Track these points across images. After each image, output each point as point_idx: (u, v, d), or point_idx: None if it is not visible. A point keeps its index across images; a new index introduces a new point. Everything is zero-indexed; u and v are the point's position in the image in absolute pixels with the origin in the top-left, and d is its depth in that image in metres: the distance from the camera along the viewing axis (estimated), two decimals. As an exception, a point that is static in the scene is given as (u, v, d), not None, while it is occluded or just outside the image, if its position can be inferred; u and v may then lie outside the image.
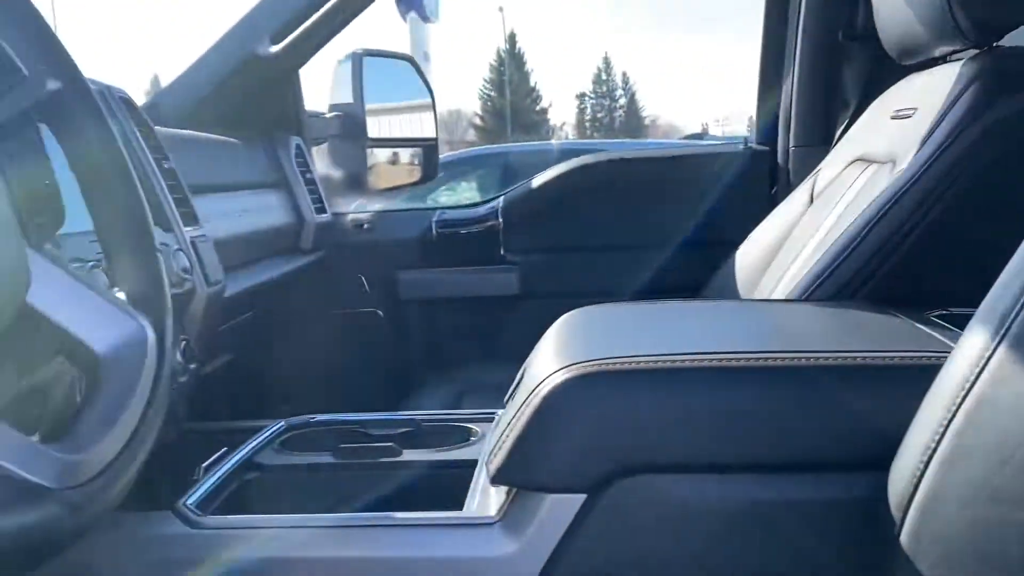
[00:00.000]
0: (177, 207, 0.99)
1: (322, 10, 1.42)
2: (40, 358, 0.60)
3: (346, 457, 0.99)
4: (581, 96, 56.39)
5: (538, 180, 1.75)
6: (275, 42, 1.48)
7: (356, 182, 1.91)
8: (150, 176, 0.95)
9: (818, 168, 1.39)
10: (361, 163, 1.91)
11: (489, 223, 1.73)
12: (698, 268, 1.62)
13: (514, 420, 0.75)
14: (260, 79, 1.57)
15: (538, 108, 47.26)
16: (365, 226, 1.77)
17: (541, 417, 0.74)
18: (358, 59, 1.84)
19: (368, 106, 1.91)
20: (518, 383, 0.86)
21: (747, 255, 1.40)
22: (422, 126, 2.08)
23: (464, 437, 1.05)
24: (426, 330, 1.77)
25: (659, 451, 0.73)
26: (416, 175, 2.08)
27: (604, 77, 55.99)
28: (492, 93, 44.90)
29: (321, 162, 1.85)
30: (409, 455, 0.99)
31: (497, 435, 0.79)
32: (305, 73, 1.69)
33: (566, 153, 6.34)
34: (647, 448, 0.73)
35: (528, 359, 0.89)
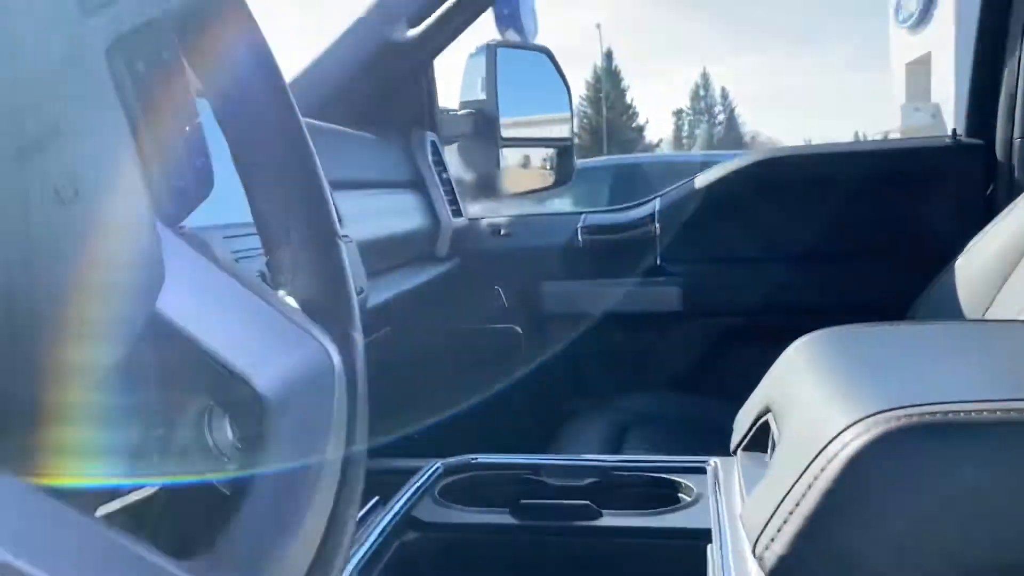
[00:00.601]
0: None
1: None
2: (172, 400, 0.40)
3: (529, 517, 0.79)
4: (678, 112, 55.64)
5: (700, 180, 1.52)
6: (411, 25, 1.33)
7: (488, 185, 1.75)
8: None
9: None
10: (493, 165, 1.74)
11: (644, 228, 1.52)
12: (898, 282, 1.37)
13: (798, 492, 0.53)
14: (395, 69, 1.42)
15: (634, 125, 46.75)
16: (503, 232, 1.59)
17: (848, 492, 0.51)
18: (492, 52, 1.68)
19: (502, 103, 1.75)
20: (755, 424, 0.65)
21: (969, 267, 1.15)
22: (558, 125, 1.91)
23: (672, 494, 0.84)
24: (573, 350, 1.56)
25: None
26: (550, 179, 1.91)
27: (702, 93, 55.10)
28: (588, 110, 44.69)
29: (451, 163, 1.69)
30: (611, 518, 0.78)
31: (765, 507, 0.56)
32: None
33: (668, 165, 6.09)
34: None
35: (763, 396, 0.68)
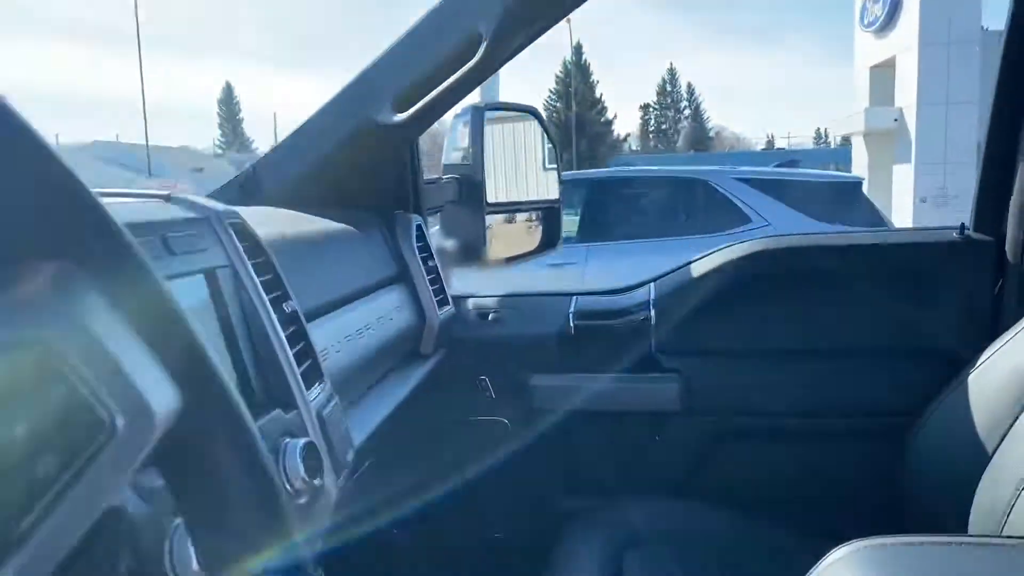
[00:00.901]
0: (299, 363, 0.77)
1: (454, 77, 1.19)
2: None
3: None
4: (645, 107, 55.86)
5: (698, 267, 1.46)
6: (398, 109, 1.26)
7: (473, 252, 1.68)
8: (266, 329, 0.73)
9: None
10: (479, 232, 1.68)
11: (638, 316, 1.45)
12: (904, 383, 1.34)
13: None
14: (377, 150, 1.35)
15: (603, 120, 46.82)
16: (491, 316, 1.52)
17: None
18: (479, 114, 1.61)
19: (487, 166, 1.69)
20: None
21: (983, 383, 1.11)
22: (544, 187, 1.85)
23: None
24: (564, 447, 1.49)
25: None
26: (535, 242, 1.85)
27: (669, 88, 55.35)
28: (558, 104, 44.66)
29: (434, 232, 1.62)
30: None
31: None
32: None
33: (645, 181, 6.05)
34: None
35: None
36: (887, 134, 16.61)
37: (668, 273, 1.50)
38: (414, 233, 1.33)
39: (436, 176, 1.66)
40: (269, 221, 1.13)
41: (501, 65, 1.22)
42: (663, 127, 55.19)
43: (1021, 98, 1.26)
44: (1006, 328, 1.30)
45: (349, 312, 1.05)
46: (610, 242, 5.51)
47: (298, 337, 0.79)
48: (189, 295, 0.66)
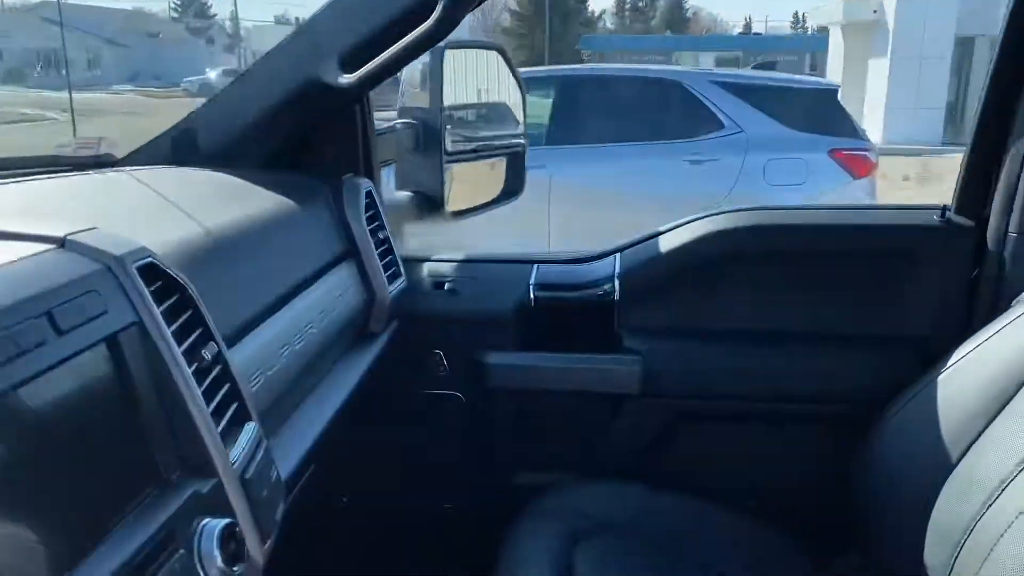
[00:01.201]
0: (221, 412, 0.68)
1: (411, 37, 1.05)
2: None
3: None
4: (622, -17, 53.92)
5: (666, 242, 1.36)
6: (345, 68, 1.13)
7: (431, 205, 1.58)
8: (180, 388, 0.64)
9: None
10: (437, 182, 1.57)
11: (602, 289, 1.37)
12: (875, 368, 1.29)
13: None
14: (323, 110, 1.22)
15: (577, -4, 45.15)
16: (446, 285, 1.42)
17: None
18: (438, 54, 1.48)
19: (447, 110, 1.56)
20: None
21: (959, 381, 1.06)
22: (508, 130, 1.73)
23: None
24: (519, 427, 1.43)
25: None
26: (497, 190, 1.74)
27: (647, -37, 53.36)
28: (530, -22, 42.87)
29: (387, 184, 1.51)
30: None
31: None
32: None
33: (618, 80, 5.82)
34: None
35: None
36: (865, 26, 16.25)
37: (635, 243, 1.41)
38: (363, 201, 1.22)
39: (390, 123, 1.53)
40: (198, 198, 1.02)
41: (463, 17, 1.08)
42: (640, 4, 53.48)
43: (1017, 81, 1.16)
44: (980, 317, 1.25)
45: (289, 311, 0.95)
46: (579, 145, 5.35)
47: (221, 382, 0.71)
48: (82, 375, 0.57)
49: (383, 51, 1.09)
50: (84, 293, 0.58)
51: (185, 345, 0.67)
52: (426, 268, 1.45)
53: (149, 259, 0.67)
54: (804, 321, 1.34)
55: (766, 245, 1.34)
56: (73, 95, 19.06)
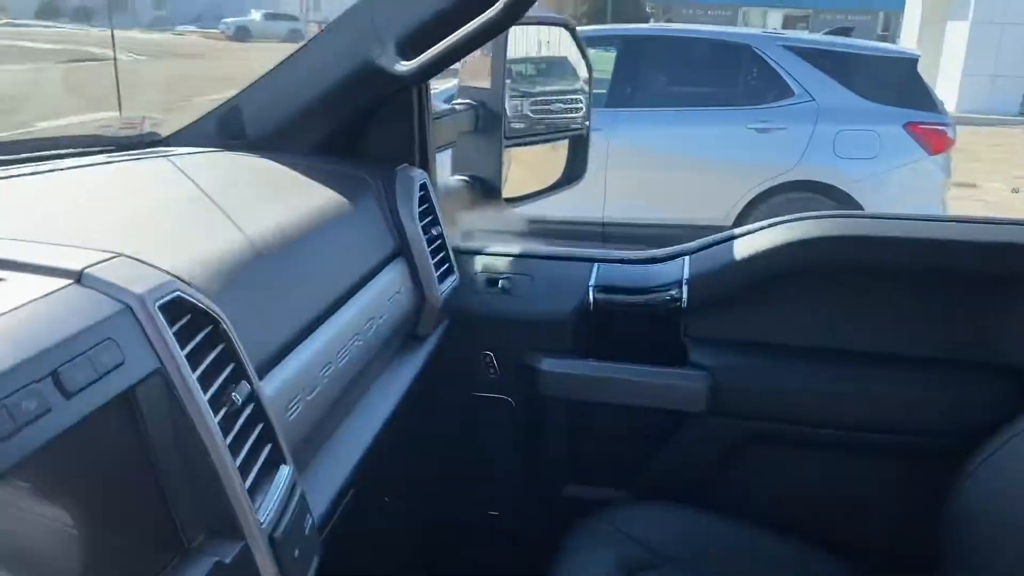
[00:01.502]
0: (252, 460, 0.62)
1: (477, 23, 0.96)
2: None
3: None
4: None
5: (741, 247, 1.24)
6: (403, 54, 1.04)
7: (486, 190, 1.50)
8: (204, 442, 0.57)
9: None
10: (495, 166, 1.48)
11: (668, 295, 1.27)
12: (965, 401, 1.18)
13: None
14: (377, 97, 1.14)
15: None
16: (500, 283, 1.33)
17: None
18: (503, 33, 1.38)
19: (509, 90, 1.47)
20: None
21: None
22: (573, 110, 1.63)
23: None
24: (573, 436, 1.35)
25: None
26: (555, 175, 1.65)
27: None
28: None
29: (442, 168, 1.43)
30: None
31: None
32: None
33: (683, 41, 5.57)
34: None
35: None
36: (946, -13, 15.47)
37: (706, 246, 1.30)
38: (416, 194, 1.14)
39: (449, 105, 1.44)
40: (241, 194, 0.96)
41: (526, 10, 0.99)
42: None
43: None
44: None
45: (334, 325, 0.88)
46: (640, 109, 5.18)
47: (252, 424, 0.65)
48: (91, 437, 0.51)
49: (444, 37, 1.01)
50: (99, 343, 0.52)
51: (212, 389, 0.60)
52: (479, 263, 1.37)
53: (176, 294, 0.60)
54: (892, 343, 1.23)
55: (853, 257, 1.22)
56: (139, 35, 19.19)
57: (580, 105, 1.60)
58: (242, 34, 25.49)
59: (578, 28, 1.58)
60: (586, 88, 1.60)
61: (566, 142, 1.66)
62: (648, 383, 1.27)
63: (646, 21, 19.78)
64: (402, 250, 1.11)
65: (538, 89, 1.57)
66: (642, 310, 1.29)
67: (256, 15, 28.22)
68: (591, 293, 1.29)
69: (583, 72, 1.59)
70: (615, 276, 1.31)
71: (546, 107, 1.58)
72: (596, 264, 1.33)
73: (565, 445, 1.35)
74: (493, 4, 0.96)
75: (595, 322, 1.29)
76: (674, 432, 1.29)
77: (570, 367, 1.29)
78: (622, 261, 1.34)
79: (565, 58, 1.58)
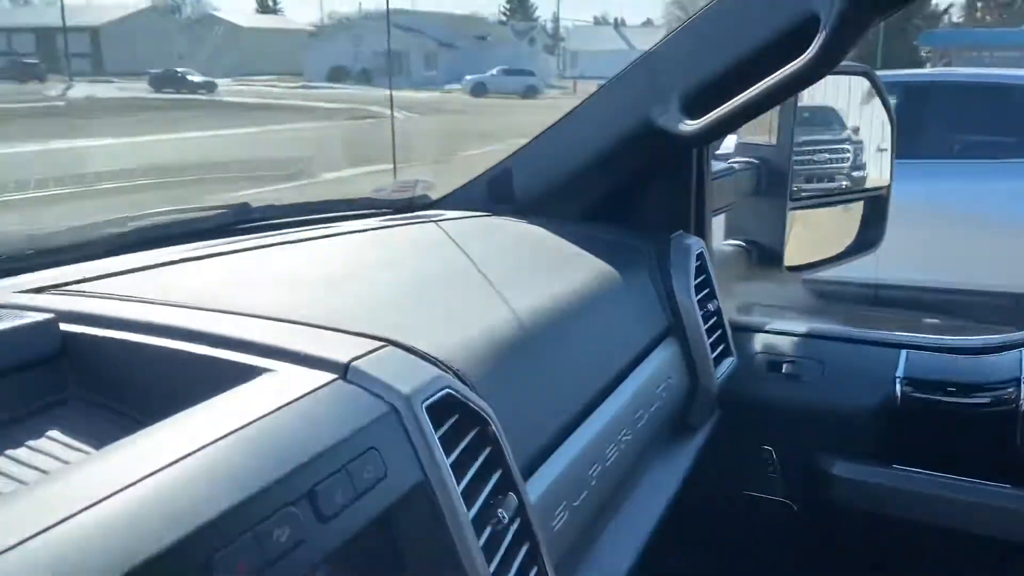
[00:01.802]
0: None
1: (772, 80, 0.84)
2: None
3: None
4: (975, -30, 47.98)
5: None
6: (687, 112, 0.94)
7: (764, 256, 1.35)
8: (462, 563, 0.49)
9: None
10: (777, 231, 1.33)
11: (999, 396, 1.04)
12: None
13: None
14: (655, 159, 1.05)
15: (919, -15, 40.90)
16: (784, 368, 1.16)
17: None
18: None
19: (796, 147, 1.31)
20: None
21: None
22: (871, 170, 1.44)
23: None
24: (867, 561, 1.14)
25: None
26: (847, 240, 1.46)
27: (1009, -54, 47.00)
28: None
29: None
30: None
31: None
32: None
33: (974, 88, 5.01)
34: None
35: None
36: None
37: None
38: (693, 264, 1.02)
39: (728, 164, 1.31)
40: (509, 267, 0.89)
41: (847, 52, 0.84)
42: (997, -6, 47.23)
43: None
44: None
45: (602, 416, 0.78)
46: (923, 160, 4.69)
47: (517, 544, 0.56)
48: (338, 570, 0.43)
49: (735, 95, 0.89)
50: (361, 454, 0.45)
51: (477, 505, 0.52)
52: (759, 342, 1.20)
53: (445, 391, 0.53)
54: None
55: None
56: (411, 95, 20.85)
57: (882, 162, 1.41)
58: (479, 90, 26.51)
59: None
60: (890, 140, 1.41)
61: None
62: (972, 501, 1.03)
63: (921, 66, 18.39)
64: (674, 327, 0.99)
65: (831, 149, 1.40)
66: (966, 411, 1.06)
67: (495, 70, 29.40)
68: (898, 386, 1.08)
69: (884, 124, 1.40)
70: (929, 366, 1.09)
71: (833, 163, 1.41)
72: (904, 351, 1.11)
73: (858, 569, 1.14)
74: (795, 56, 0.83)
75: (903, 422, 1.08)
76: (1006, 568, 1.04)
77: (870, 474, 1.08)
78: (938, 349, 1.12)
79: (860, 110, 1.40)
